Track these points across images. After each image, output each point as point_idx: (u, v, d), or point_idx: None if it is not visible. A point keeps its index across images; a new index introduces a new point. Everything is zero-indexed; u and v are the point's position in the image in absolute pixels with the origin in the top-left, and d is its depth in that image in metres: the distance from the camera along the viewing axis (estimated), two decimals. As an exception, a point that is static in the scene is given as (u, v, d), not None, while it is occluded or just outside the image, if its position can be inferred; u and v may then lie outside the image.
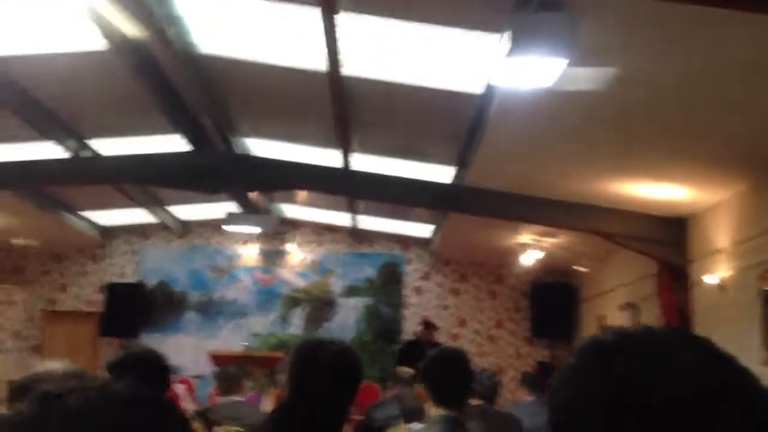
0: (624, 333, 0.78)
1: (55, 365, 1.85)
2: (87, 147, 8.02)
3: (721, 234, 6.45)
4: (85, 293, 12.14)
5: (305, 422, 1.87)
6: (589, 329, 10.38)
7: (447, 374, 2.55)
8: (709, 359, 0.74)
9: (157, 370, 2.62)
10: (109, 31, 5.27)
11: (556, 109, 5.05)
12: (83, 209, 10.90)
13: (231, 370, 5.22)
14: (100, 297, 11.87)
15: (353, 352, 2.03)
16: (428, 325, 9.89)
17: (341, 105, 6.19)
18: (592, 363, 0.77)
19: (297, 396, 1.91)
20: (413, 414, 2.85)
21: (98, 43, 5.50)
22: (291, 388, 1.94)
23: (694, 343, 0.76)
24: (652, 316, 7.81)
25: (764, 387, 0.75)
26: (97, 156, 8.21)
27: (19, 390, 1.82)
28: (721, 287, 6.39)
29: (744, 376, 0.74)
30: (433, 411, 2.53)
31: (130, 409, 0.75)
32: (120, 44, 5.49)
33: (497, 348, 11.80)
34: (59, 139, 7.52)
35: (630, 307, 8.68)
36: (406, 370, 5.37)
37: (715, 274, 6.46)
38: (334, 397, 1.91)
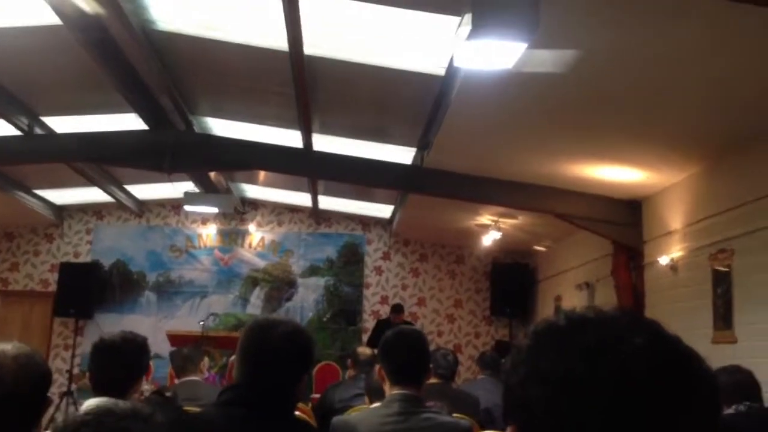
0: (576, 316, 0.80)
1: (4, 346, 1.80)
2: (41, 124, 7.83)
3: (675, 216, 6.60)
4: (37, 273, 11.92)
5: (255, 404, 1.85)
6: (546, 308, 10.56)
7: (404, 354, 2.58)
8: (657, 342, 0.77)
9: (142, 354, 2.70)
10: (63, 6, 5.13)
11: (516, 91, 5.09)
12: (37, 188, 10.65)
13: (185, 351, 5.18)
14: (53, 277, 11.67)
15: (305, 333, 2.01)
16: (397, 308, 10.05)
17: (302, 85, 6.14)
18: (545, 344, 0.79)
19: (247, 376, 1.90)
20: (377, 393, 2.87)
21: (52, 17, 5.35)
22: (240, 368, 1.92)
23: (644, 325, 0.79)
24: (606, 295, 7.98)
25: (710, 368, 0.78)
26: (51, 134, 8.03)
27: None
28: (673, 267, 6.55)
29: (690, 358, 0.77)
30: (391, 390, 2.56)
31: None
32: (75, 19, 5.35)
33: (456, 327, 11.94)
34: (12, 117, 7.32)
35: (586, 286, 8.85)
36: (366, 351, 5.41)
37: (668, 255, 6.62)
38: (284, 378, 1.90)
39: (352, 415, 2.71)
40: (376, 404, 2.72)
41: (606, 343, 0.75)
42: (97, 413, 0.94)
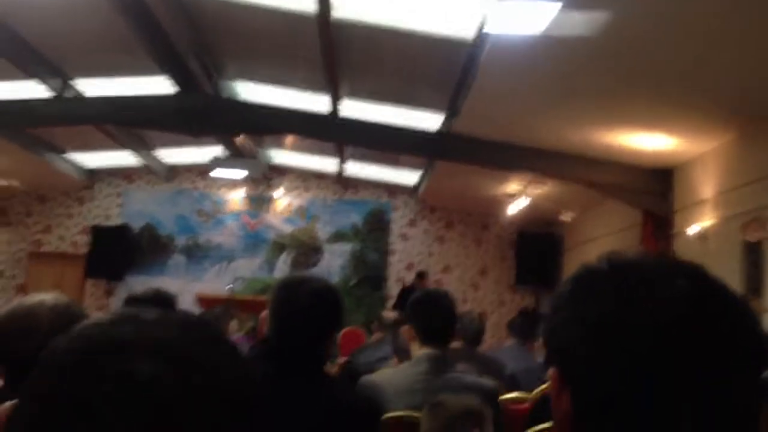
0: (617, 259, 0.80)
1: (42, 296, 1.83)
2: (71, 87, 7.89)
3: (706, 184, 6.50)
4: (69, 235, 12.12)
5: (285, 359, 1.87)
6: (572, 278, 10.49)
7: (433, 313, 2.60)
8: (701, 284, 0.76)
9: (169, 307, 2.75)
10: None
11: (546, 56, 5.02)
12: (68, 151, 10.79)
13: (216, 312, 5.26)
14: (84, 239, 11.85)
15: (335, 290, 2.02)
16: (421, 274, 10.08)
17: (330, 49, 6.12)
18: (587, 287, 0.79)
19: (277, 332, 1.92)
20: (405, 354, 2.90)
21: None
22: (271, 324, 1.94)
23: (687, 268, 0.78)
24: (634, 265, 7.90)
25: (755, 313, 0.77)
26: (81, 96, 8.09)
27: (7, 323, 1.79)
28: (703, 237, 6.47)
29: (735, 303, 0.76)
30: (419, 350, 2.58)
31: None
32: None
33: (480, 295, 11.95)
34: (43, 78, 7.39)
35: (613, 256, 8.78)
36: (390, 315, 5.44)
37: (698, 224, 6.54)
38: (314, 334, 1.92)
39: (380, 373, 2.74)
40: (404, 364, 2.74)
41: (648, 285, 0.75)
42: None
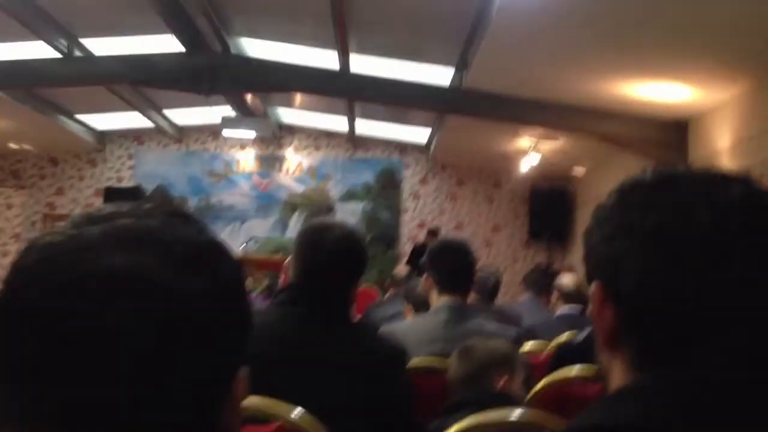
0: (665, 171, 0.78)
1: None
2: (80, 46, 7.84)
3: (723, 135, 6.43)
4: (82, 197, 12.16)
5: (311, 304, 1.87)
6: (585, 233, 10.48)
7: (452, 261, 2.59)
8: (753, 193, 0.74)
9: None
10: None
11: (557, 4, 4.93)
12: (79, 113, 10.77)
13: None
14: (98, 201, 11.89)
15: (358, 236, 2.02)
16: (433, 231, 10.10)
17: (340, 3, 6.02)
18: (634, 199, 0.77)
19: (302, 278, 1.91)
20: (422, 305, 2.89)
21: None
22: (296, 270, 1.94)
23: (737, 179, 0.76)
24: (648, 218, 7.87)
25: None
26: (89, 56, 8.04)
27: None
28: (720, 188, 6.42)
29: None
30: (438, 299, 2.57)
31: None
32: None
33: (494, 252, 11.96)
34: (50, 38, 7.33)
35: (627, 210, 8.74)
36: (402, 271, 5.45)
37: (714, 176, 6.48)
38: (339, 279, 1.91)
39: (400, 324, 2.75)
40: (424, 314, 2.74)
41: (702, 192, 0.73)
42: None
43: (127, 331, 0.55)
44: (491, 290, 4.24)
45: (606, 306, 0.76)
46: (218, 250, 0.65)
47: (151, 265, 0.58)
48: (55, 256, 0.58)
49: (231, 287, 0.63)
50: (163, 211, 0.64)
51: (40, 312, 0.56)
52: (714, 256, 0.70)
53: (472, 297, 3.78)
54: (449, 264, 2.58)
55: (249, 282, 6.45)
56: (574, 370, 2.05)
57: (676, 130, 7.27)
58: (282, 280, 2.32)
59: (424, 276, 2.64)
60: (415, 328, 2.56)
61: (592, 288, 0.78)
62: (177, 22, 7.14)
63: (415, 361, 2.23)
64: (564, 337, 3.52)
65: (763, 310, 0.69)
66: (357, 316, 6.40)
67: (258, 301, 7.76)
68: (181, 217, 0.64)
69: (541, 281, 5.25)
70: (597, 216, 0.80)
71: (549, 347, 3.77)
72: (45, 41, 7.29)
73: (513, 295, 10.53)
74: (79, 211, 0.66)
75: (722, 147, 6.42)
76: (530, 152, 9.41)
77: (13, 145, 11.23)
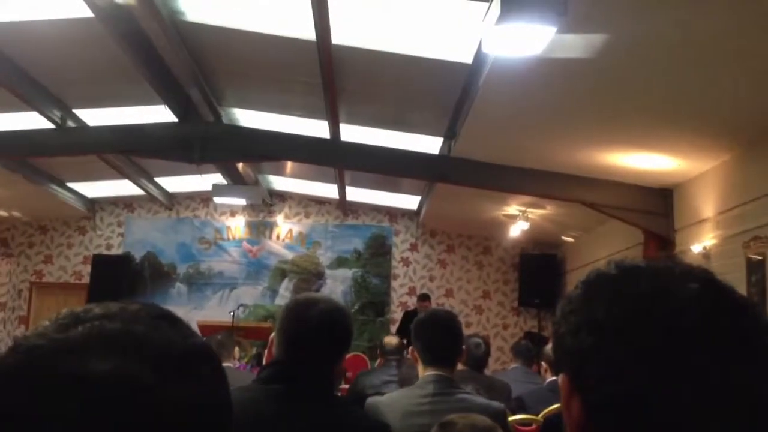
0: (628, 265, 0.81)
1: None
2: (73, 117, 7.94)
3: (707, 203, 6.51)
4: (71, 265, 12.11)
5: (294, 381, 1.86)
6: (574, 299, 10.47)
7: (438, 334, 2.58)
8: (712, 288, 0.77)
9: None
10: (95, -2, 5.20)
11: (544, 78, 5.05)
12: (69, 180, 10.82)
13: (219, 337, 5.24)
14: (86, 269, 11.84)
15: (344, 311, 2.02)
16: (423, 296, 10.09)
17: (330, 75, 6.15)
18: (598, 292, 0.79)
19: (286, 354, 1.91)
20: (410, 382, 2.87)
21: (84, 10, 5.42)
22: (280, 345, 1.93)
23: (697, 273, 0.79)
24: (637, 285, 7.89)
25: (765, 317, 0.77)
26: (83, 126, 8.14)
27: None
28: (706, 256, 6.47)
29: (746, 306, 0.77)
30: (425, 371, 2.56)
31: (159, 322, 0.66)
32: (106, 12, 5.42)
33: (484, 318, 11.91)
34: (44, 109, 7.43)
35: (616, 277, 8.76)
36: (391, 341, 5.42)
37: (700, 243, 6.54)
38: (323, 356, 1.91)
39: (386, 396, 2.72)
40: (410, 387, 2.72)
41: (660, 289, 0.76)
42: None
43: None
44: (480, 360, 4.23)
45: (573, 398, 0.77)
46: (204, 354, 0.66)
47: (135, 371, 0.58)
48: (38, 359, 0.59)
49: (215, 392, 0.64)
50: (150, 314, 0.65)
51: (19, 416, 0.56)
52: (673, 353, 0.72)
53: (460, 367, 3.77)
54: (435, 337, 2.57)
55: (236, 351, 6.38)
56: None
57: (661, 198, 7.37)
58: (266, 354, 2.31)
59: (411, 348, 2.63)
60: (402, 400, 2.54)
61: (560, 380, 0.80)
62: (169, 93, 7.27)
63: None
64: (554, 406, 3.50)
65: (723, 407, 0.71)
66: (345, 386, 6.33)
67: (245, 369, 7.68)
68: (167, 320, 0.65)
69: (529, 352, 5.24)
70: (563, 308, 0.82)
71: (539, 417, 3.75)
72: (39, 112, 7.39)
73: (503, 363, 10.46)
74: (66, 310, 0.66)
75: (707, 215, 6.50)
76: (519, 220, 9.49)
77: (2, 213, 11.23)
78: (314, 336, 1.88)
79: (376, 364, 6.72)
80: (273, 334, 1.96)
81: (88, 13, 5.46)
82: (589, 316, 0.77)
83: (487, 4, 3.88)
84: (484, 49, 4.43)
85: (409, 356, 2.76)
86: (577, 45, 4.36)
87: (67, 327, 0.62)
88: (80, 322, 0.62)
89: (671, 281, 0.77)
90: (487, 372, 7.65)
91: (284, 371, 1.87)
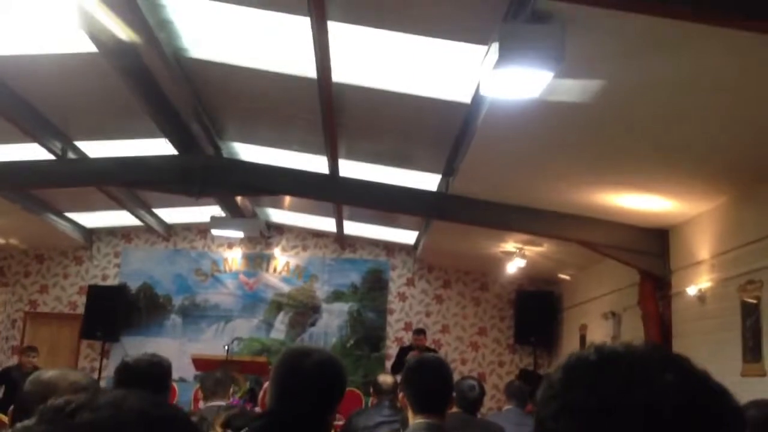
0: (607, 350, 0.83)
1: (68, 371, 1.88)
2: (74, 149, 7.99)
3: (703, 245, 6.53)
4: (66, 295, 12.07)
5: (288, 431, 1.87)
6: (571, 337, 10.46)
7: (427, 382, 2.57)
8: (688, 378, 0.79)
9: (163, 376, 2.73)
10: (100, 34, 5.26)
11: (542, 120, 5.10)
12: (68, 211, 10.84)
13: (217, 375, 5.21)
14: (81, 299, 11.80)
15: (338, 362, 2.03)
16: (419, 331, 10.05)
17: (330, 112, 6.21)
18: (577, 378, 0.81)
19: (279, 404, 1.91)
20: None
21: (88, 45, 5.49)
22: (273, 395, 1.94)
23: (674, 361, 0.81)
24: (633, 325, 7.89)
25: (738, 404, 0.80)
26: (84, 158, 8.18)
27: (28, 400, 1.83)
28: (701, 298, 6.47)
29: (719, 395, 0.79)
30: (414, 419, 2.55)
31: (144, 428, 0.68)
32: (110, 47, 5.48)
33: (480, 355, 11.85)
34: (46, 141, 7.48)
35: (611, 315, 8.76)
36: (386, 380, 5.40)
37: (695, 285, 6.54)
38: (316, 407, 1.91)
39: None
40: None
41: (637, 378, 0.78)
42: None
43: None
44: (474, 403, 4.19)
45: None
46: None
47: None
48: None
49: None
50: (140, 409, 0.66)
51: None
52: None
53: (454, 409, 3.75)
54: (424, 384, 2.56)
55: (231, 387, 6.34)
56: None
57: (657, 238, 7.39)
58: (260, 401, 2.31)
59: (401, 395, 2.62)
60: (393, 447, 2.53)
61: None
62: (170, 127, 7.32)
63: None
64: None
65: None
66: (339, 423, 6.29)
67: (238, 404, 7.61)
68: (159, 410, 0.66)
69: (522, 392, 5.22)
70: (544, 392, 0.84)
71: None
72: (40, 144, 7.43)
73: (498, 401, 10.39)
74: (54, 401, 0.67)
75: (703, 257, 6.52)
76: (515, 257, 9.50)
77: (0, 241, 11.22)
78: (308, 387, 1.88)
79: (370, 402, 6.68)
80: (267, 384, 1.96)
81: (92, 48, 5.53)
82: (569, 402, 0.79)
83: (486, 47, 3.94)
84: (483, 92, 4.48)
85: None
86: (574, 89, 4.42)
87: (54, 422, 0.63)
88: (70, 414, 0.63)
89: (649, 370, 0.78)
90: (483, 411, 7.61)
91: (277, 422, 1.87)
